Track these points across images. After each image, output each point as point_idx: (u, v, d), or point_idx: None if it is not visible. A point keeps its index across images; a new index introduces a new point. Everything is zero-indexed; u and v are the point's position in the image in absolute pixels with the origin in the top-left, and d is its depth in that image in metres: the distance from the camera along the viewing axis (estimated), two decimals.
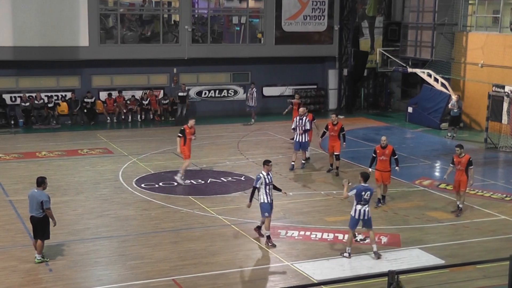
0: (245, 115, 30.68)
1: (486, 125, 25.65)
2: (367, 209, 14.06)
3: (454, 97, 28.01)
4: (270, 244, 14.70)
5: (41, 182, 13.78)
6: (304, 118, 21.40)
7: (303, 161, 21.79)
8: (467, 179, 16.82)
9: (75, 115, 29.61)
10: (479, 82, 28.45)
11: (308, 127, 21.37)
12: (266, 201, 14.75)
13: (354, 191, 14.06)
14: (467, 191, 17.33)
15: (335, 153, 20.93)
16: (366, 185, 14.14)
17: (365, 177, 14.28)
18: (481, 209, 17.62)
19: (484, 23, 30.97)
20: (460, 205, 17.15)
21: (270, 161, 15.10)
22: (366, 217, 14.09)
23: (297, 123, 21.44)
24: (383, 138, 17.78)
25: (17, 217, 16.43)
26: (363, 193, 14.00)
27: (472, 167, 16.83)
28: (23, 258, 13.90)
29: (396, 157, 17.76)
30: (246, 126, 29.16)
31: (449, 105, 27.43)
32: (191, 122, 20.03)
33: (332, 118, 21.12)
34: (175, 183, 19.59)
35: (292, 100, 26.33)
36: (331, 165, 21.26)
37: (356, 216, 14.09)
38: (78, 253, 14.29)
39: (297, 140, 21.50)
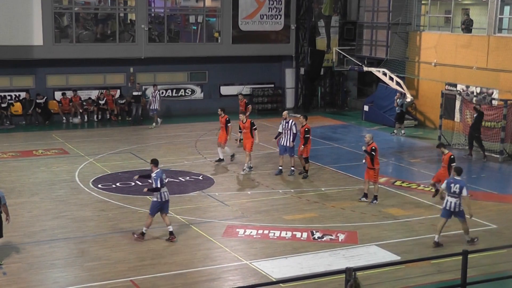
0: (203, 114, 30.66)
1: (440, 123, 26.09)
2: (458, 201, 14.66)
3: (408, 96, 28.54)
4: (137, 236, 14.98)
5: None
6: (290, 121, 20.74)
7: (292, 168, 21.01)
8: (449, 176, 17.26)
9: (30, 116, 29.15)
10: (432, 80, 28.95)
11: (294, 130, 20.65)
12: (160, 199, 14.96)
13: (445, 184, 14.85)
14: (424, 188, 17.59)
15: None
16: (458, 178, 14.73)
17: (458, 170, 14.94)
18: (435, 206, 17.93)
19: (436, 23, 31.52)
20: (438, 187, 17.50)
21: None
22: (457, 209, 14.75)
23: (283, 126, 20.86)
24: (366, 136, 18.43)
25: None
26: (452, 185, 14.65)
27: (454, 164, 17.22)
28: None
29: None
30: (192, 126, 28.91)
31: (394, 104, 27.99)
32: (242, 117, 21.27)
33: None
34: (133, 183, 19.42)
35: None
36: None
37: (447, 207, 14.79)
38: (34, 255, 14.09)
39: (283, 144, 20.89)
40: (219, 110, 22.48)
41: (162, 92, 30.79)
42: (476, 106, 24.20)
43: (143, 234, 15.03)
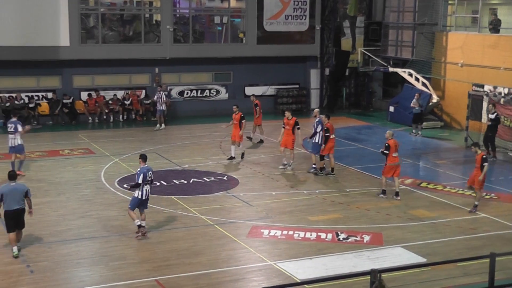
0: (228, 114, 30.70)
1: (466, 124, 25.87)
2: None
3: (434, 97, 28.34)
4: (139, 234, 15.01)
5: (15, 176, 14.27)
6: (317, 119, 21.00)
7: (313, 165, 21.22)
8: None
9: (56, 116, 29.43)
10: (459, 81, 28.68)
11: (318, 129, 20.83)
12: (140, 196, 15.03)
13: None
14: (450, 189, 17.47)
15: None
16: None
17: None
18: (462, 207, 17.77)
19: (463, 23, 31.23)
20: (476, 202, 17.36)
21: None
22: None
23: (314, 125, 21.14)
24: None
25: None
26: None
27: (486, 164, 17.09)
28: (3, 260, 13.79)
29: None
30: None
31: (411, 104, 27.79)
32: (288, 114, 21.47)
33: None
34: (157, 183, 19.51)
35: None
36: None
37: None
38: (60, 254, 14.20)
39: (313, 141, 21.09)
40: (234, 107, 22.87)
41: (168, 92, 30.15)
42: (491, 108, 23.98)
43: (139, 227, 15.04)
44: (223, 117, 30.59)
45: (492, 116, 23.68)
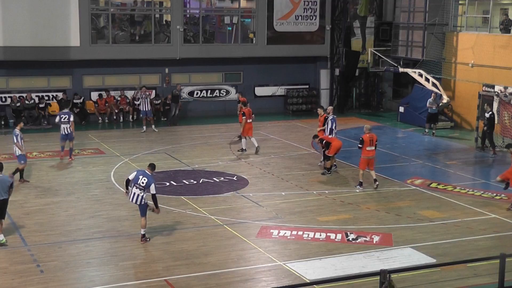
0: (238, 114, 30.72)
1: (477, 124, 25.77)
2: None
3: (444, 97, 28.23)
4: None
5: (2, 167, 14.74)
6: (330, 117, 21.34)
7: (334, 164, 21.55)
8: None
9: None
10: (469, 82, 28.56)
11: (329, 126, 21.23)
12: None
13: None
14: (460, 190, 17.42)
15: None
16: None
17: None
18: (472, 208, 17.70)
19: (474, 23, 31.09)
20: None
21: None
22: None
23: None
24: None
25: (7, 218, 16.35)
26: None
27: None
28: (13, 259, 13.86)
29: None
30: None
31: (427, 103, 27.71)
32: (320, 111, 22.12)
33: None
34: (167, 183, 19.55)
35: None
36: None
37: None
38: (70, 254, 14.26)
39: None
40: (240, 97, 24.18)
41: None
42: (487, 107, 24.61)
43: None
44: (233, 117, 30.65)
45: (487, 115, 24.28)
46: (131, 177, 14.94)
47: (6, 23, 27.67)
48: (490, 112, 24.40)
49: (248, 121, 23.42)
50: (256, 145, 23.73)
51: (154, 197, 14.82)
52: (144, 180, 14.71)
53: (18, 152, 19.70)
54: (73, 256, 14.15)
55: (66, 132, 22.21)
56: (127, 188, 15.09)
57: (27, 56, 28.28)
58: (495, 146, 24.32)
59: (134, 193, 14.79)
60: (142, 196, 14.77)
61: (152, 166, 15.16)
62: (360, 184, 19.43)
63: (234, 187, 19.54)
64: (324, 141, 20.61)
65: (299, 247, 14.82)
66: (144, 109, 27.67)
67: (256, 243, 14.98)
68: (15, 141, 19.60)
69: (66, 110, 22.70)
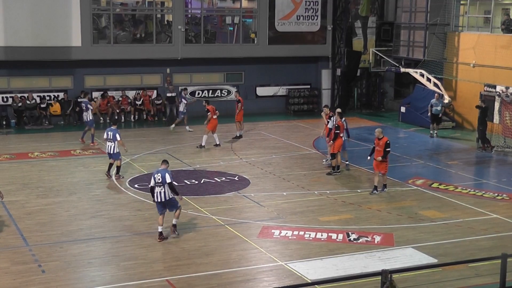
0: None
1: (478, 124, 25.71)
2: None
3: (446, 97, 28.20)
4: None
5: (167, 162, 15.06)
6: (333, 117, 21.32)
7: (346, 162, 21.74)
8: None
9: (68, 116, 29.55)
10: (471, 82, 28.54)
11: (330, 125, 21.25)
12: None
13: None
14: (461, 190, 17.42)
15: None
16: None
17: None
18: (473, 208, 17.70)
19: (475, 23, 31.07)
20: None
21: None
22: None
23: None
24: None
25: (9, 218, 16.39)
26: None
27: None
28: (15, 259, 13.87)
29: (388, 149, 18.68)
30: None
31: (432, 104, 27.69)
32: (326, 110, 22.31)
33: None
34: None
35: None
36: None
37: None
38: (71, 254, 14.26)
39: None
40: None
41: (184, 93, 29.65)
42: (480, 104, 25.07)
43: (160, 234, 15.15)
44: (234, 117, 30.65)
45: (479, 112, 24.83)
46: (151, 183, 15.01)
47: (7, 23, 27.68)
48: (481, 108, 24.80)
49: (214, 117, 24.45)
50: (217, 142, 24.70)
51: (171, 185, 14.92)
52: (159, 175, 14.93)
53: (116, 149, 19.87)
54: (74, 256, 14.15)
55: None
56: (153, 195, 15.12)
57: (29, 56, 28.28)
58: (489, 142, 24.68)
59: (158, 192, 14.95)
60: (165, 191, 14.92)
61: (165, 162, 15.37)
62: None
63: (235, 187, 19.54)
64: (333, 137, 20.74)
65: (301, 247, 14.82)
66: (183, 110, 27.97)
67: (257, 243, 14.98)
68: (118, 138, 19.75)
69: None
